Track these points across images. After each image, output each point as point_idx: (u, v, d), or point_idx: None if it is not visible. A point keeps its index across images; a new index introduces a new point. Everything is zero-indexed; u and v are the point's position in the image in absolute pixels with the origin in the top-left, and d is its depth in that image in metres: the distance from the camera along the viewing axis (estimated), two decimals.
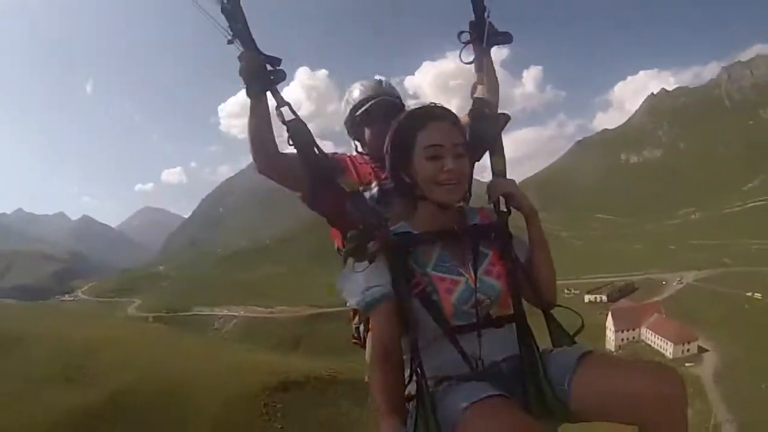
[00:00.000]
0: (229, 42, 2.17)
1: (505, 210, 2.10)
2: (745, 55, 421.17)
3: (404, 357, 1.85)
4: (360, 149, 2.73)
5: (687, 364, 56.21)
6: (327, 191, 2.25)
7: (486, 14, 2.39)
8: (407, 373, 1.82)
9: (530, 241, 2.09)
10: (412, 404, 1.77)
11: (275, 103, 2.26)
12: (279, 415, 40.04)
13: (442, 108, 2.00)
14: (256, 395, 41.15)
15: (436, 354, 1.87)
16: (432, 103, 2.03)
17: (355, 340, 2.74)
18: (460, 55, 2.47)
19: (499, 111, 2.40)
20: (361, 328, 2.67)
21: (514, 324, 1.95)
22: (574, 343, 1.98)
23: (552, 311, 2.07)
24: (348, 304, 2.02)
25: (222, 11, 2.12)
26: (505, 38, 2.49)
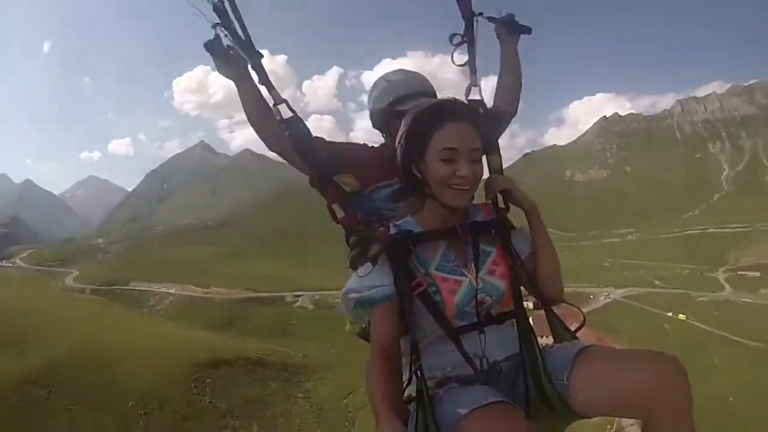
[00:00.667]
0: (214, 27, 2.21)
1: (504, 206, 2.18)
2: (702, 91, 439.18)
3: (403, 358, 1.87)
4: (388, 142, 2.68)
5: None
6: (328, 189, 2.31)
7: (474, 16, 2.50)
8: (406, 374, 1.82)
9: (533, 236, 2.13)
10: (413, 405, 1.78)
11: (272, 101, 2.32)
12: (208, 390, 41.47)
13: (463, 105, 2.04)
14: (187, 370, 42.68)
15: (438, 354, 1.89)
16: (453, 98, 2.04)
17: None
18: (452, 58, 2.55)
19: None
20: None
21: (514, 320, 1.99)
22: (576, 338, 2.06)
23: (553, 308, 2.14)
24: (338, 311, 2.07)
25: (214, 9, 2.18)
26: (527, 29, 2.65)
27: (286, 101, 2.25)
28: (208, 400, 40.34)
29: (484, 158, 2.02)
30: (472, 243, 1.95)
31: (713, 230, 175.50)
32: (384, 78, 2.59)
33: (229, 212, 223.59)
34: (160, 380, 40.25)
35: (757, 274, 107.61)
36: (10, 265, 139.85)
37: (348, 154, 2.42)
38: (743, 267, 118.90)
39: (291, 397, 44.64)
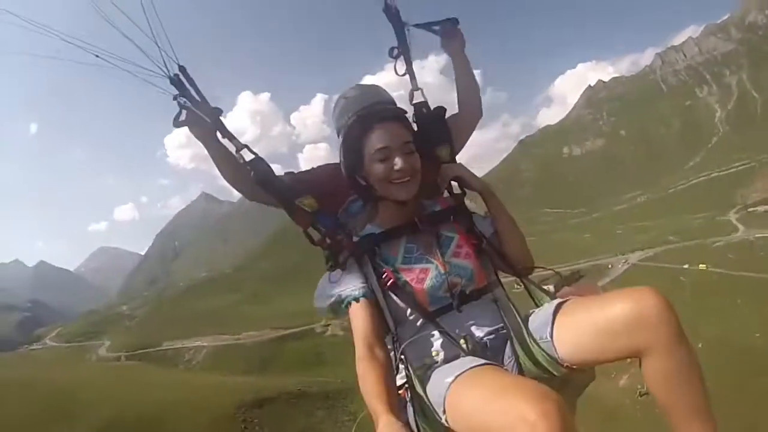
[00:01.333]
0: (175, 98, 2.31)
1: (460, 191, 2.27)
2: (680, 39, 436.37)
3: (390, 353, 1.91)
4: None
5: None
6: (295, 215, 2.31)
7: (406, 28, 2.50)
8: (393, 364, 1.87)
9: (492, 215, 2.21)
10: (408, 394, 1.84)
11: (233, 147, 2.36)
12: (257, 429, 42.76)
13: (385, 105, 2.12)
14: (234, 413, 44.09)
15: (424, 341, 1.94)
16: (375, 101, 2.13)
17: None
18: (395, 69, 2.57)
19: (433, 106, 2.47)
20: None
21: (492, 296, 2.05)
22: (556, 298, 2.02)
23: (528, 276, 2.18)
24: (318, 311, 2.12)
25: (171, 83, 2.27)
26: (450, 23, 2.59)
27: (246, 146, 2.33)
28: None
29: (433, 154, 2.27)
30: (434, 231, 2.10)
31: (717, 174, 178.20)
32: (342, 96, 2.55)
33: (244, 256, 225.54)
34: (211, 428, 41.66)
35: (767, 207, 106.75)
36: (41, 346, 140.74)
37: (308, 177, 2.55)
38: (753, 203, 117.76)
39: (338, 421, 45.81)
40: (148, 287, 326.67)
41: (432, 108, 2.41)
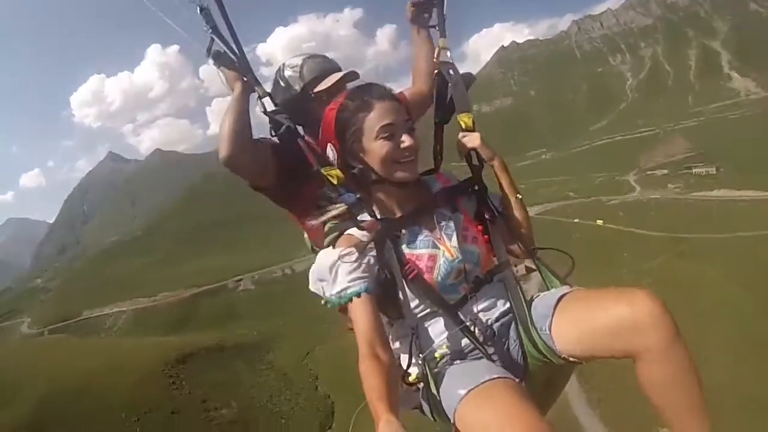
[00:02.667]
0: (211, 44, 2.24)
1: (478, 164, 2.15)
2: (599, 9, 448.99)
3: (396, 343, 1.96)
4: (303, 131, 2.38)
5: None
6: (305, 183, 2.29)
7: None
8: (406, 357, 1.88)
9: (502, 189, 2.13)
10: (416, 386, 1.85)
11: (256, 94, 2.27)
12: (184, 383, 45.54)
13: (380, 86, 2.00)
14: (161, 371, 46.60)
15: (435, 331, 1.92)
16: (368, 83, 2.06)
17: (351, 328, 2.14)
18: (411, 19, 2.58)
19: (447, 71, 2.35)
20: None
21: (499, 276, 2.02)
22: (566, 284, 2.04)
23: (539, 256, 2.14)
24: (324, 298, 1.93)
25: (200, 11, 2.19)
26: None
27: (269, 94, 2.26)
28: (187, 392, 44.58)
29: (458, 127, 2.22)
30: (444, 213, 2.02)
31: (621, 137, 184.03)
32: (288, 66, 2.53)
33: (155, 217, 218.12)
34: (141, 387, 43.94)
35: (665, 171, 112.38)
36: None
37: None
38: (652, 167, 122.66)
39: (256, 371, 49.17)
40: (59, 256, 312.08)
41: (461, 72, 2.37)
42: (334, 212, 1.98)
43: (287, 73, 2.48)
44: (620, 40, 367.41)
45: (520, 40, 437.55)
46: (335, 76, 2.42)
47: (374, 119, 1.87)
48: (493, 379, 1.64)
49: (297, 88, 2.44)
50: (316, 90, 2.43)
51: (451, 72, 2.31)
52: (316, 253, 2.32)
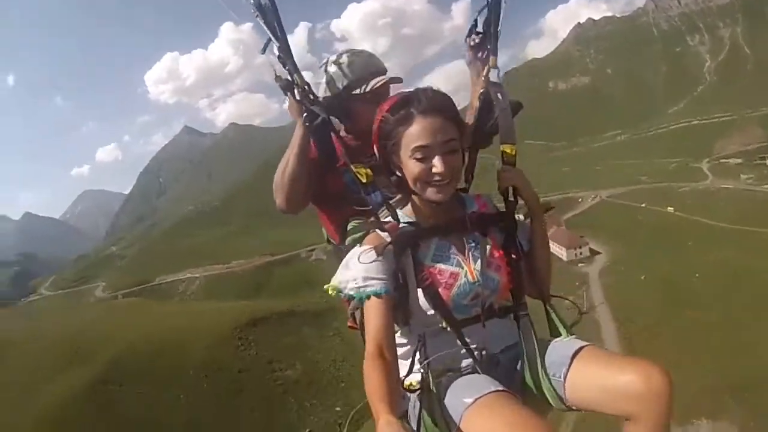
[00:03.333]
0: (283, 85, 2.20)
1: (513, 200, 2.12)
2: None
3: (400, 349, 1.91)
4: (342, 127, 2.50)
5: (579, 264, 63.77)
6: (328, 174, 2.28)
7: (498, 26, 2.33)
8: (408, 363, 1.87)
9: (533, 234, 2.13)
10: (414, 395, 1.84)
11: (299, 83, 2.20)
12: (252, 345, 47.76)
13: (428, 96, 1.88)
14: (231, 333, 48.92)
15: (439, 345, 1.89)
16: (420, 90, 1.93)
17: (351, 325, 2.41)
18: (469, 45, 2.42)
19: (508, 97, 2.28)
20: (357, 313, 2.30)
21: (515, 314, 2.03)
22: (572, 334, 2.05)
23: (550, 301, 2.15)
24: (343, 293, 1.90)
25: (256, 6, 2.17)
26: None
27: (308, 84, 2.22)
28: (254, 353, 46.88)
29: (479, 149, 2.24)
30: (472, 234, 2.00)
31: (698, 122, 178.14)
32: (333, 62, 2.45)
33: (230, 189, 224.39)
34: (211, 347, 46.48)
35: (740, 160, 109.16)
36: (38, 297, 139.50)
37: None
38: (727, 155, 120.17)
39: (324, 336, 50.58)
40: (134, 226, 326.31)
41: (509, 98, 2.30)
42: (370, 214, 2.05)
43: (332, 69, 2.45)
44: (698, 19, 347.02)
45: (597, 17, 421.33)
46: (379, 80, 2.39)
47: (410, 138, 1.83)
48: (498, 391, 1.69)
49: (340, 86, 2.42)
50: (358, 91, 2.40)
51: (500, 96, 2.28)
52: (331, 243, 2.57)
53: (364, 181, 1.99)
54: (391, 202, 2.03)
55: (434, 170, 1.81)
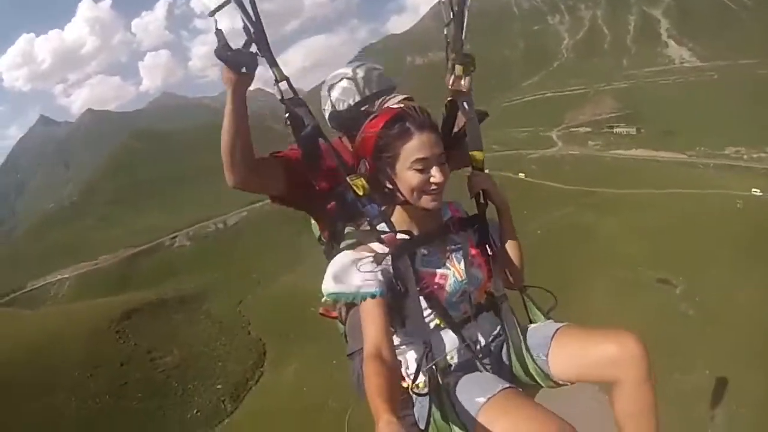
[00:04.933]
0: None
1: (484, 202, 2.27)
2: None
3: (399, 351, 1.98)
4: (347, 142, 2.55)
5: None
6: (319, 177, 2.34)
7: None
8: (414, 365, 1.93)
9: (502, 231, 2.28)
10: (416, 396, 1.93)
11: (272, 77, 2.13)
12: (129, 337, 49.37)
13: (424, 115, 2.01)
14: (107, 328, 50.26)
15: (437, 344, 1.99)
16: (412, 107, 2.05)
17: (323, 313, 2.62)
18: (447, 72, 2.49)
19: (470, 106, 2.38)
20: (343, 310, 2.58)
21: (497, 306, 2.18)
22: (548, 318, 2.25)
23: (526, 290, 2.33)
24: (336, 294, 1.92)
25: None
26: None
27: (287, 78, 2.14)
28: (133, 344, 48.48)
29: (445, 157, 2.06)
30: (454, 238, 2.13)
31: (551, 94, 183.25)
32: (343, 76, 2.48)
33: (89, 179, 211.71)
34: (90, 345, 47.50)
35: (589, 129, 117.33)
36: None
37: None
38: (577, 125, 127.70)
39: (194, 321, 53.40)
40: None
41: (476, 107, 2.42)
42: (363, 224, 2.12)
43: (343, 84, 2.46)
44: (560, 1, 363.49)
45: None
46: (392, 100, 2.34)
47: (410, 150, 1.93)
48: (507, 388, 1.79)
49: (351, 102, 2.44)
50: (365, 108, 2.40)
51: (466, 105, 2.38)
52: (322, 243, 2.63)
53: (360, 193, 2.06)
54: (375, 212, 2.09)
55: (432, 180, 1.94)
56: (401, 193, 1.98)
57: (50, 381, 42.42)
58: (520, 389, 1.85)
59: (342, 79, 2.47)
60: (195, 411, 42.05)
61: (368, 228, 2.04)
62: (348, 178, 2.05)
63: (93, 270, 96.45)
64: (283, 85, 2.14)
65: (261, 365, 44.31)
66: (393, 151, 1.94)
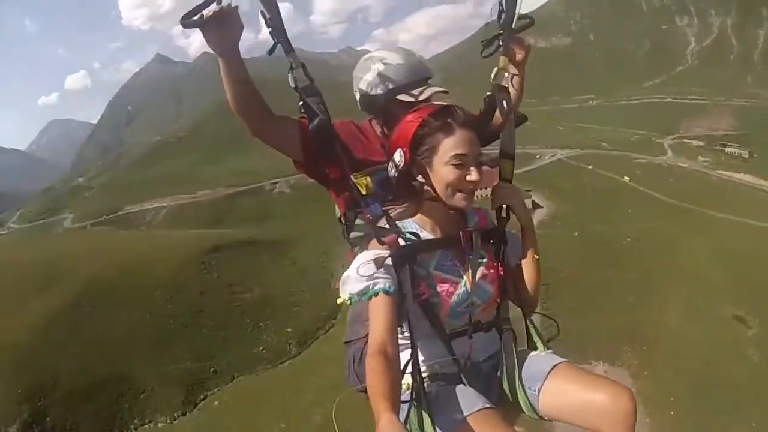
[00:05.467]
0: None
1: (505, 217, 2.22)
2: None
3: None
4: (377, 127, 2.53)
5: None
6: (332, 165, 2.23)
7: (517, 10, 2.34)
8: (403, 365, 1.86)
9: (525, 250, 2.22)
10: (408, 395, 1.86)
11: (290, 64, 2.07)
12: (214, 269, 50.96)
13: (466, 113, 1.99)
14: (195, 257, 52.05)
15: (429, 350, 2.00)
16: (455, 105, 2.01)
17: None
18: (482, 51, 2.43)
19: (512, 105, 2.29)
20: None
21: (499, 328, 2.15)
22: (548, 349, 2.18)
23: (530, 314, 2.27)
24: (347, 294, 1.91)
25: None
26: (529, 21, 2.40)
27: (303, 65, 2.08)
28: (216, 276, 49.91)
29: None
30: (473, 248, 2.05)
31: (671, 100, 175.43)
32: (380, 59, 2.38)
33: (199, 119, 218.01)
34: (175, 270, 49.40)
35: (702, 143, 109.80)
36: (6, 231, 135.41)
37: (340, 127, 2.34)
38: (691, 136, 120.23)
39: (280, 264, 53.75)
40: (101, 156, 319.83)
41: (515, 111, 2.33)
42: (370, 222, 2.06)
43: (379, 67, 2.37)
44: (690, 2, 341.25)
45: None
46: (429, 91, 2.34)
47: (450, 145, 1.90)
48: (486, 408, 1.80)
49: (384, 88, 2.36)
50: (401, 98, 2.34)
51: (505, 104, 2.27)
52: (341, 223, 2.56)
53: (363, 193, 2.09)
54: (397, 211, 2.11)
55: (469, 178, 1.91)
56: (432, 188, 1.97)
57: (133, 298, 44.73)
58: (501, 410, 1.86)
59: (378, 62, 2.40)
60: (261, 348, 43.13)
61: (376, 226, 2.02)
62: (352, 177, 2.10)
63: (190, 203, 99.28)
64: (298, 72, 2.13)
65: (333, 317, 44.43)
66: (432, 144, 1.93)
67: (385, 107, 2.40)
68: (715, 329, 38.77)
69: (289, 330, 45.07)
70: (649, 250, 51.60)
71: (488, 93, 2.31)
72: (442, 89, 2.40)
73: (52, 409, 34.90)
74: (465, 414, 1.74)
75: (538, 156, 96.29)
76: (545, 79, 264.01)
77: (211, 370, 40.48)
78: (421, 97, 2.33)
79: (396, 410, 1.51)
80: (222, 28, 1.91)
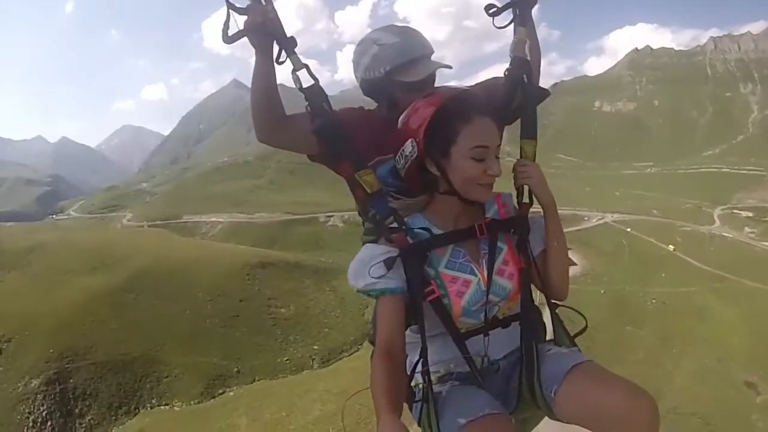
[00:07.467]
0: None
1: (528, 202, 2.09)
2: (746, 29, 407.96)
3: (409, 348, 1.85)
4: (383, 110, 2.41)
5: None
6: (343, 165, 2.19)
7: None
8: (411, 365, 1.83)
9: (548, 233, 2.07)
10: (418, 395, 1.86)
11: (291, 66, 2.07)
12: (257, 282, 54.05)
13: (484, 99, 1.93)
14: (242, 269, 55.23)
15: (442, 349, 1.93)
16: (471, 91, 1.96)
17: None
18: (493, 21, 2.27)
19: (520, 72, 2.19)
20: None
21: (520, 321, 2.02)
22: (574, 344, 2.08)
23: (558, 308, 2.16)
24: (356, 288, 1.89)
25: None
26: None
27: (306, 66, 2.06)
28: (257, 289, 52.77)
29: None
30: (489, 241, 1.95)
31: (728, 170, 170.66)
32: (374, 41, 2.27)
33: (266, 148, 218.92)
34: (221, 277, 52.44)
35: (750, 214, 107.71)
36: (66, 216, 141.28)
37: (346, 116, 2.26)
38: (741, 207, 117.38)
39: (320, 289, 55.88)
40: (169, 166, 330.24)
41: (537, 85, 2.19)
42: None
43: (373, 50, 2.26)
44: (755, 69, 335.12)
45: (658, 45, 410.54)
46: (429, 67, 2.22)
47: (471, 135, 1.79)
48: (493, 414, 1.72)
49: (381, 71, 2.25)
50: (400, 78, 2.22)
51: (525, 78, 2.18)
52: (361, 217, 2.57)
53: (369, 191, 2.00)
54: (410, 203, 2.01)
55: (489, 172, 1.82)
56: (448, 182, 1.89)
57: (177, 294, 48.00)
58: (507, 417, 1.81)
59: (372, 44, 2.32)
60: (285, 358, 45.40)
61: (383, 225, 1.99)
62: (356, 175, 2.03)
63: (247, 222, 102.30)
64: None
65: (360, 343, 46.14)
66: (451, 134, 1.82)
67: (387, 90, 2.33)
68: (722, 391, 39.12)
69: (315, 347, 47.50)
70: (672, 312, 52.07)
71: (508, 67, 2.23)
72: (445, 64, 2.31)
73: (77, 372, 38.00)
74: (468, 419, 1.69)
75: (586, 218, 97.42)
76: (608, 144, 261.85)
77: (235, 369, 43.15)
78: (423, 75, 2.23)
79: (398, 410, 1.52)
80: (261, 29, 2.05)
